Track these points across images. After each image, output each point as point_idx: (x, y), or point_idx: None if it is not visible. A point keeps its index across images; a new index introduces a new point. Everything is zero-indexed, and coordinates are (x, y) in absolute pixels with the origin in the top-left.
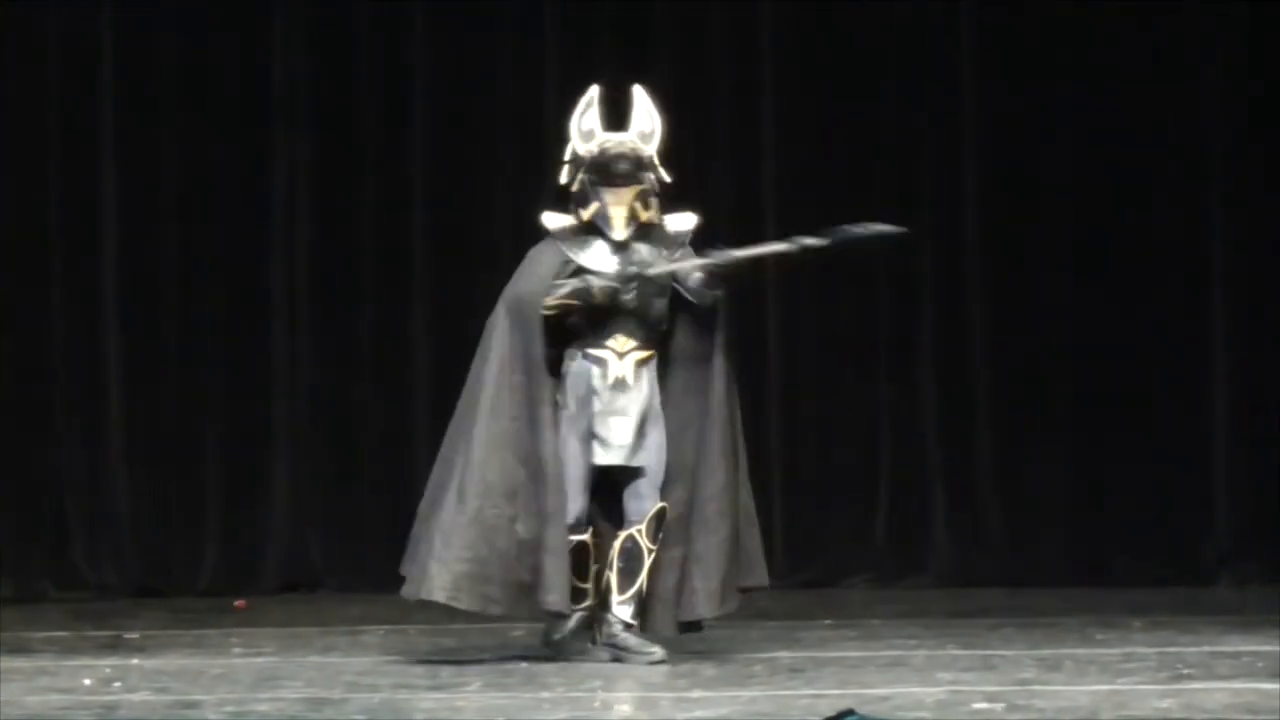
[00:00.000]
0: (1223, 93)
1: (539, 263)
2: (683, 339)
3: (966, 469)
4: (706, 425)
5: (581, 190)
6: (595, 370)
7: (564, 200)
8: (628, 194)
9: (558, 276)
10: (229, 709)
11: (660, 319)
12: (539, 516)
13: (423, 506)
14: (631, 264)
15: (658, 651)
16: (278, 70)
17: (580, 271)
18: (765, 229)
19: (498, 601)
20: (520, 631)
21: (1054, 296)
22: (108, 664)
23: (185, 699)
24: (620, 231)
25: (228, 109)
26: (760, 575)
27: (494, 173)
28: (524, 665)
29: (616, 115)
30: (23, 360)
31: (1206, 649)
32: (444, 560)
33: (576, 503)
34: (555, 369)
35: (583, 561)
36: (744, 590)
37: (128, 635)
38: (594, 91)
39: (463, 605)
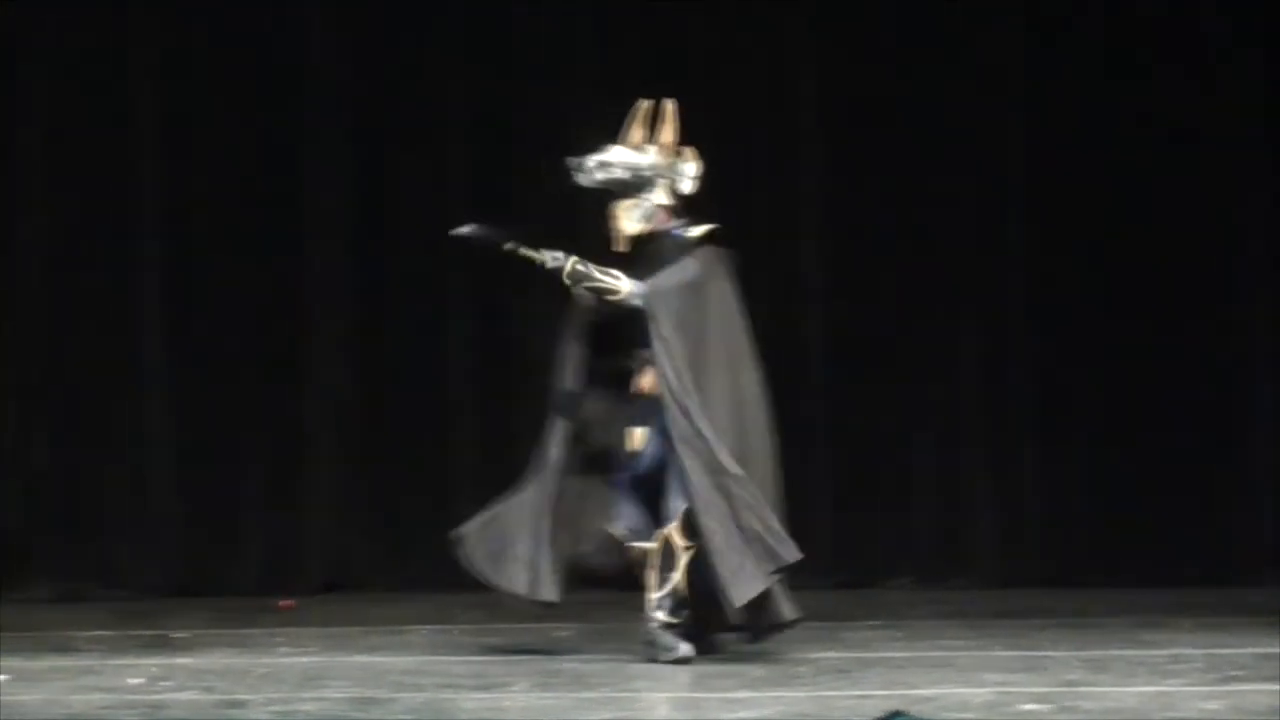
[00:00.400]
0: (1262, 99)
1: None
2: None
3: (1011, 469)
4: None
5: None
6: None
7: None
8: (619, 207)
9: None
10: (274, 708)
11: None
12: None
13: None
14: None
15: (683, 648)
16: (312, 70)
17: None
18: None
19: None
20: (566, 632)
21: (1094, 296)
22: (153, 663)
23: (231, 698)
24: (618, 243)
25: (264, 111)
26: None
27: (533, 174)
28: (568, 665)
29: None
30: (65, 360)
31: (1254, 650)
32: None
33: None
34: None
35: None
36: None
37: (174, 634)
38: (639, 105)
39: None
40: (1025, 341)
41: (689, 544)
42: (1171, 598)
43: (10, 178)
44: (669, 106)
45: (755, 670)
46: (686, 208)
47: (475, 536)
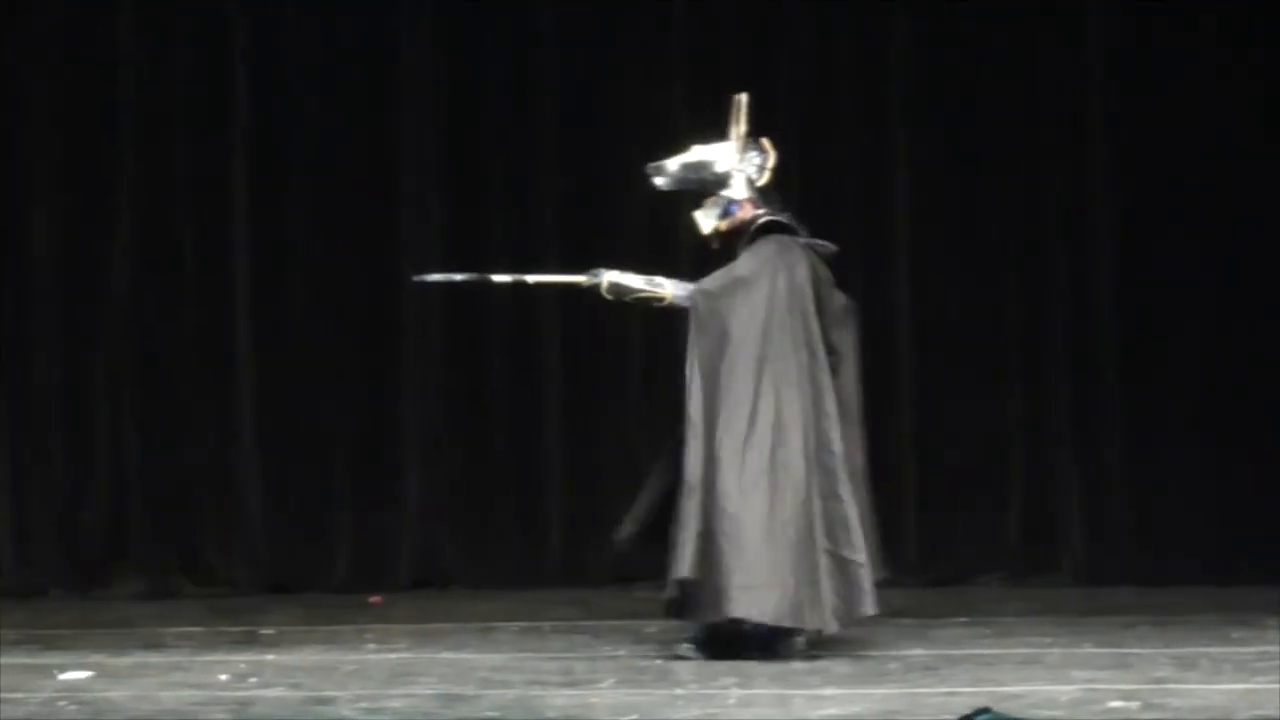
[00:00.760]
0: None
1: None
2: None
3: (1100, 466)
4: None
5: None
6: None
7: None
8: (700, 206)
9: None
10: (362, 705)
11: None
12: None
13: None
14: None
15: (681, 647)
16: (407, 68)
17: None
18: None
19: None
20: (654, 628)
21: (1188, 294)
22: (242, 660)
23: (319, 695)
24: (708, 242)
25: (359, 105)
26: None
27: (624, 174)
28: (658, 662)
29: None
30: (156, 358)
31: None
32: None
33: None
34: None
35: None
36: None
37: (262, 631)
38: (737, 99)
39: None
40: (1115, 337)
41: None
42: (1260, 595)
43: (103, 176)
44: (741, 100)
45: (843, 667)
46: (770, 199)
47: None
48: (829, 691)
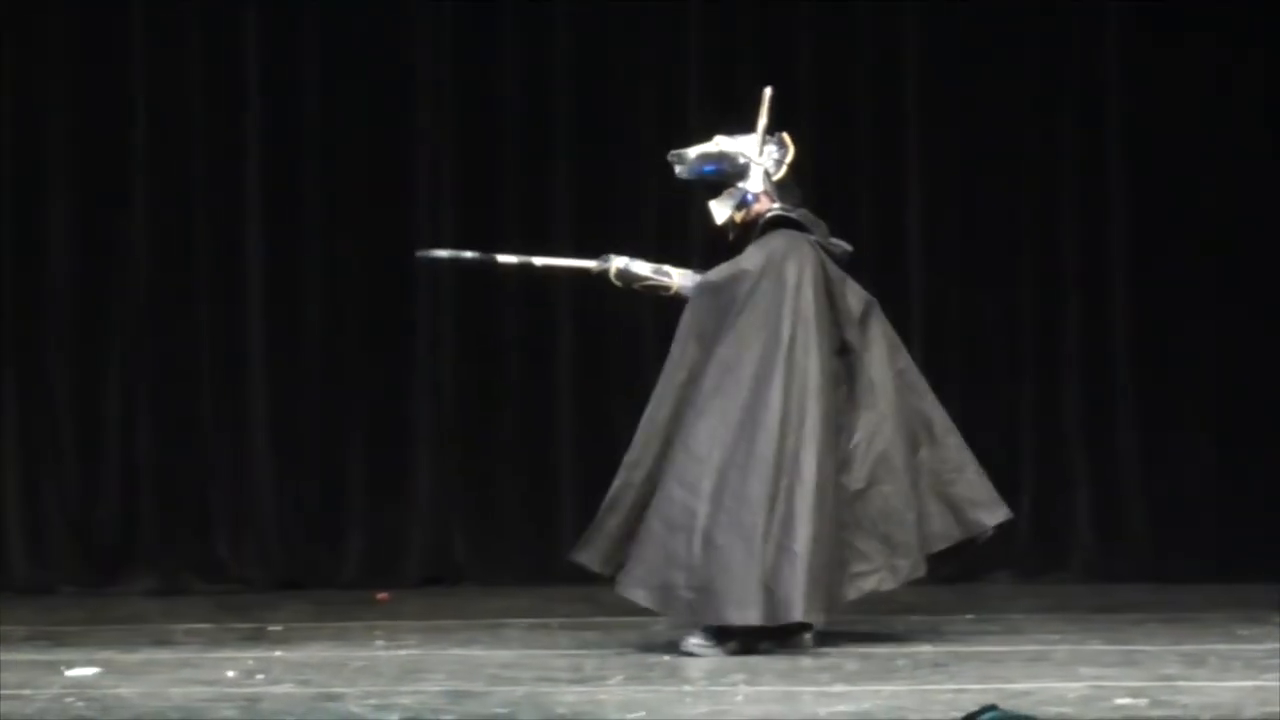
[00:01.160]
0: None
1: None
2: None
3: (1110, 463)
4: None
5: None
6: None
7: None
8: (717, 196)
9: None
10: (371, 701)
11: None
12: None
13: None
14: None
15: (689, 642)
16: (420, 64)
17: None
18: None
19: None
20: (662, 625)
21: (1199, 292)
22: (251, 656)
23: (328, 691)
24: (723, 233)
25: (371, 108)
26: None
27: (638, 171)
28: (666, 658)
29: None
30: (168, 356)
31: None
32: None
33: None
34: None
35: None
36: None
37: (271, 628)
38: (764, 93)
39: None
40: (1127, 334)
41: None
42: (1268, 593)
43: (117, 175)
44: (765, 94)
45: (852, 664)
46: (787, 194)
47: None
48: (838, 688)
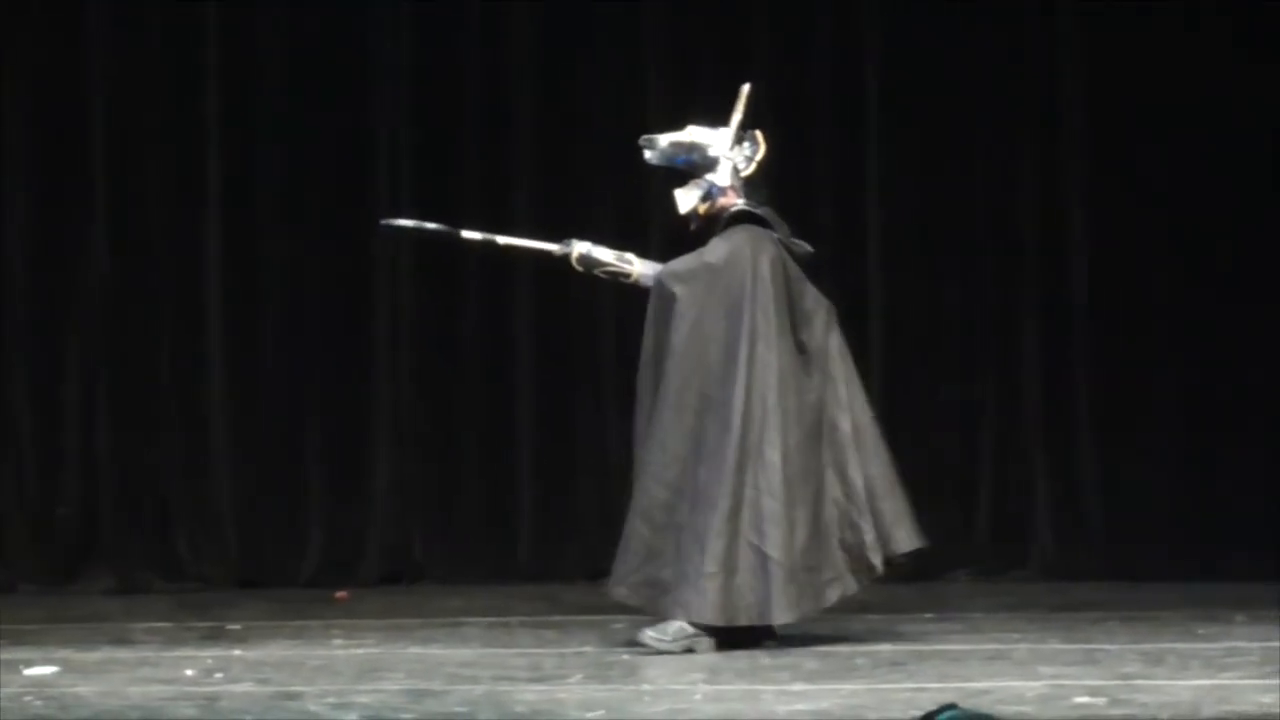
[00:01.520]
0: None
1: None
2: None
3: (1069, 461)
4: None
5: None
6: None
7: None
8: (683, 186)
9: None
10: (330, 700)
11: None
12: None
13: None
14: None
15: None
16: (379, 60)
17: None
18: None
19: None
20: (621, 624)
21: (1159, 289)
22: (210, 655)
23: (287, 690)
24: (684, 223)
25: (330, 103)
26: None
27: (597, 170)
28: (625, 657)
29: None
30: (126, 352)
31: None
32: None
33: None
34: None
35: None
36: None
37: (230, 626)
38: (742, 88)
39: None
40: (1085, 333)
41: None
42: (1227, 592)
43: (74, 170)
44: (744, 90)
45: (811, 663)
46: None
47: None
48: (797, 687)
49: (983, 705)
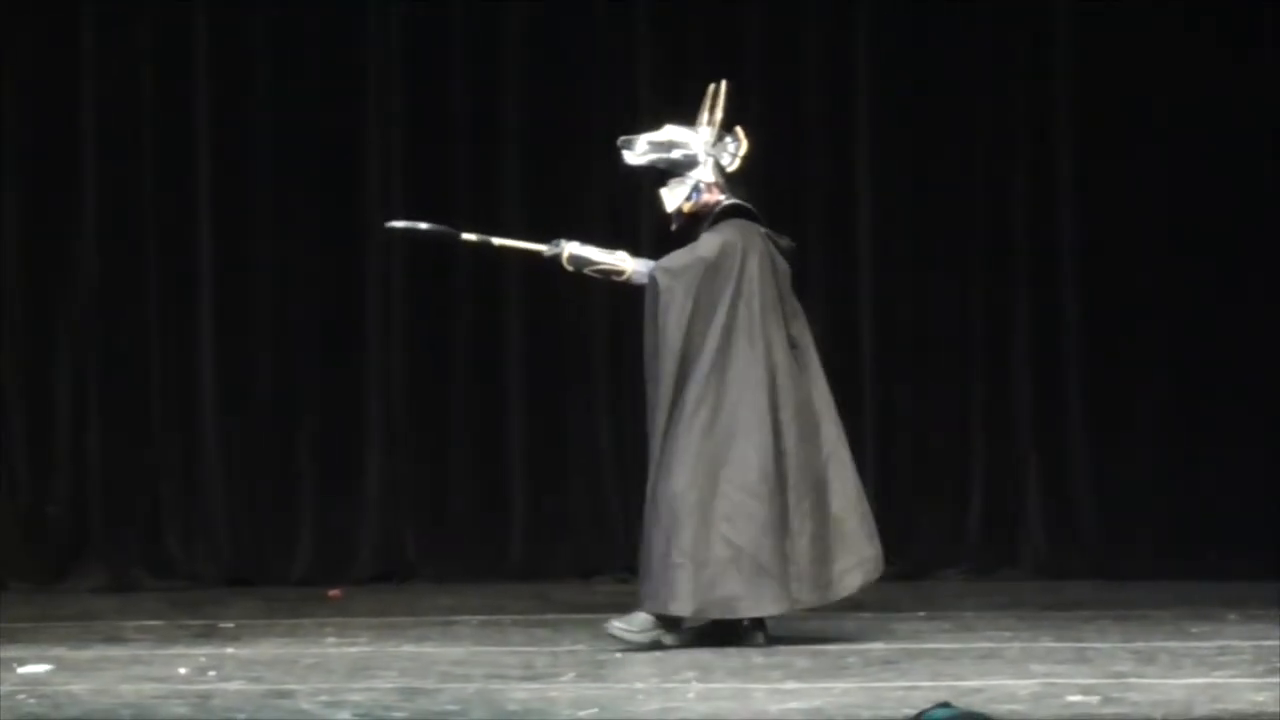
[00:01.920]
0: None
1: None
2: None
3: (1061, 461)
4: None
5: None
6: None
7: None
8: (666, 185)
9: None
10: (323, 698)
11: None
12: None
13: None
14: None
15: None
16: (372, 68)
17: None
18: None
19: None
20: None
21: (1149, 289)
22: (202, 653)
23: (279, 688)
24: (668, 221)
25: (320, 105)
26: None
27: (588, 171)
28: (617, 655)
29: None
30: (117, 353)
31: None
32: None
33: None
34: None
35: None
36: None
37: (222, 624)
38: (715, 86)
39: None
40: (1076, 333)
41: None
42: (1219, 591)
43: (66, 170)
44: (721, 86)
45: (803, 661)
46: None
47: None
48: (789, 685)
49: (975, 704)
